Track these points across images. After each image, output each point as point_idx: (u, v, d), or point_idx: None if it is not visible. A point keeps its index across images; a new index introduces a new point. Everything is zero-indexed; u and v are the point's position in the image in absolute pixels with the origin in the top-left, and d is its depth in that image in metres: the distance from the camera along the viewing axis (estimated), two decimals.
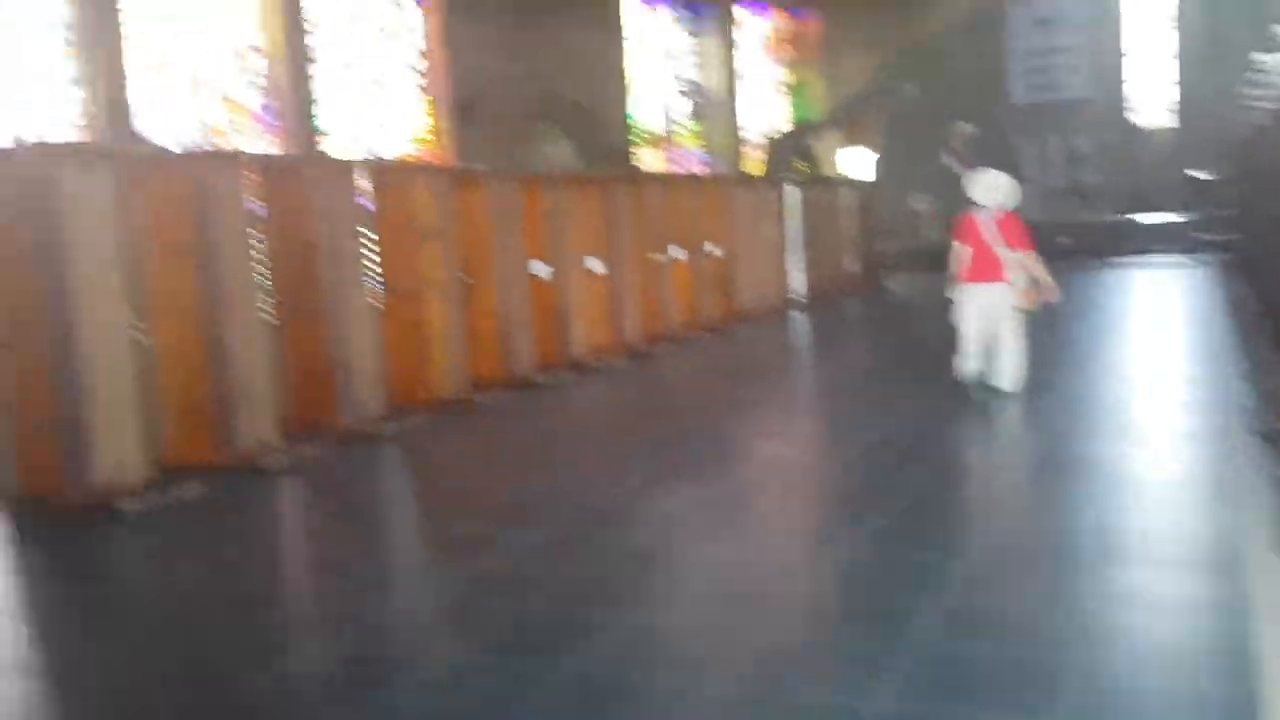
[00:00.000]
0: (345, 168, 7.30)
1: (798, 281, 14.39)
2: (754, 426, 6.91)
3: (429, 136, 21.54)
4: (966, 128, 21.26)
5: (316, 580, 4.37)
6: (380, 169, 8.06)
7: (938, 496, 4.84)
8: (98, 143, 14.76)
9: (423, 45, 21.38)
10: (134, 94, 17.57)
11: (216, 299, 6.03)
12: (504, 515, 4.84)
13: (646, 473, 5.50)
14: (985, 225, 6.73)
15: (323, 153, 18.69)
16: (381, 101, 21.06)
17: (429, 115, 21.54)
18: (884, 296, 15.97)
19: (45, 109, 17.09)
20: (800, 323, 12.91)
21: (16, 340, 5.33)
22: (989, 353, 6.82)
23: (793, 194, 14.38)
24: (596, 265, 9.69)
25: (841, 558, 3.99)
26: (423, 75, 21.49)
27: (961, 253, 6.82)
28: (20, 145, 5.55)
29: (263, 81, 19.55)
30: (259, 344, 6.33)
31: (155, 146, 13.62)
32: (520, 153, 20.52)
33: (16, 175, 5.29)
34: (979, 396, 6.78)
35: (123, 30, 17.46)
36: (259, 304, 6.45)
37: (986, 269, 6.73)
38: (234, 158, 6.56)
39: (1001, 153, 18.30)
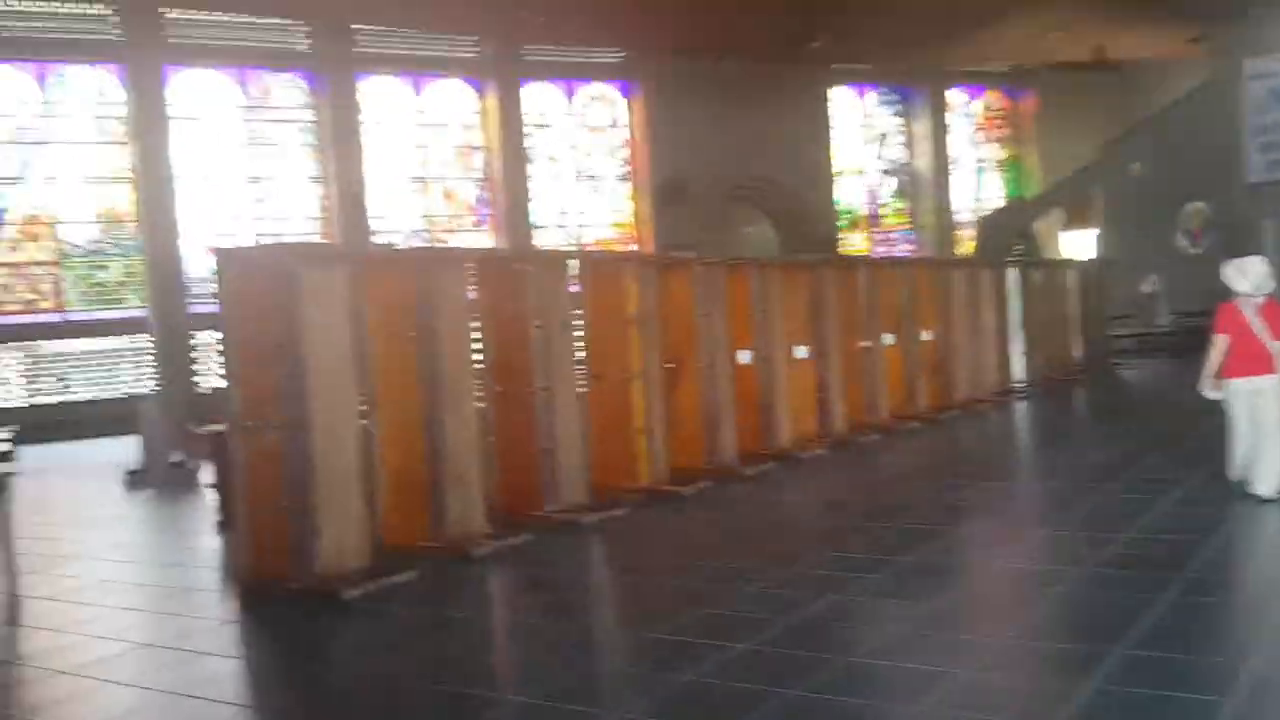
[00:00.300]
0: (559, 261, 7.46)
1: (1019, 368, 13.64)
2: (976, 530, 6.45)
3: (631, 221, 22.11)
4: (1200, 207, 19.83)
5: (525, 684, 4.28)
6: (588, 259, 8.22)
7: (1196, 622, 4.29)
8: (335, 244, 15.93)
9: (626, 135, 22.09)
10: (368, 190, 18.99)
11: (437, 389, 6.24)
12: (710, 621, 4.65)
13: (860, 580, 5.18)
14: (1249, 314, 6.13)
15: (537, 247, 19.51)
16: (588, 189, 21.87)
17: (631, 200, 22.13)
18: (1114, 384, 14.88)
19: (287, 205, 18.69)
20: (1023, 413, 12.15)
21: (254, 425, 5.64)
22: (1252, 453, 6.16)
23: (1012, 276, 13.73)
24: (800, 351, 9.49)
25: (1086, 691, 3.56)
26: (626, 163, 22.17)
27: (1221, 344, 6.22)
28: (265, 245, 5.96)
29: (481, 176, 20.70)
30: (474, 432, 6.49)
31: (385, 246, 14.56)
32: (721, 235, 20.68)
33: (262, 272, 5.66)
34: (1240, 502, 6.10)
35: (361, 132, 18.99)
36: (475, 393, 6.63)
37: (1252, 361, 6.11)
38: (457, 255, 6.83)
39: (1241, 234, 16.89)
